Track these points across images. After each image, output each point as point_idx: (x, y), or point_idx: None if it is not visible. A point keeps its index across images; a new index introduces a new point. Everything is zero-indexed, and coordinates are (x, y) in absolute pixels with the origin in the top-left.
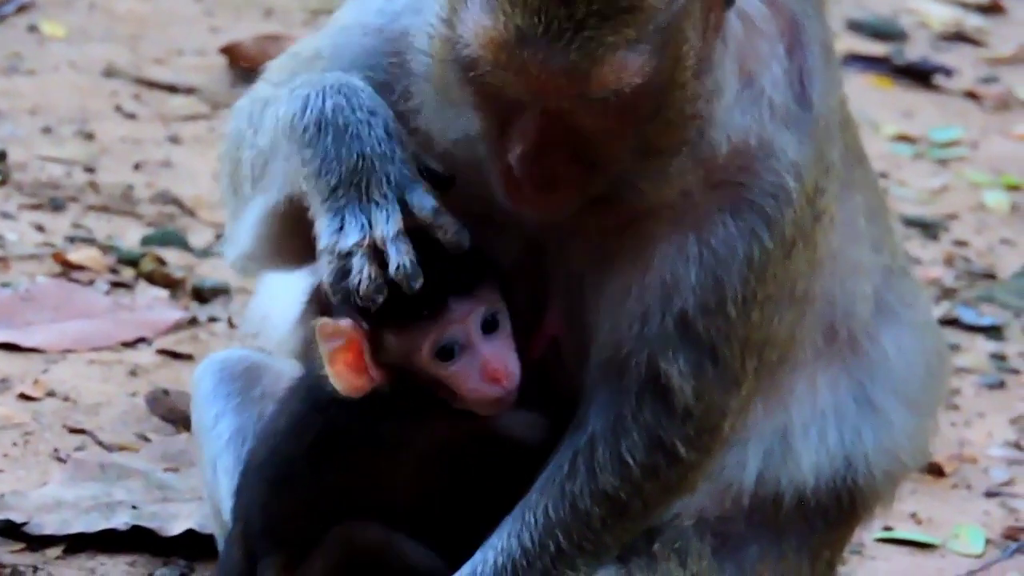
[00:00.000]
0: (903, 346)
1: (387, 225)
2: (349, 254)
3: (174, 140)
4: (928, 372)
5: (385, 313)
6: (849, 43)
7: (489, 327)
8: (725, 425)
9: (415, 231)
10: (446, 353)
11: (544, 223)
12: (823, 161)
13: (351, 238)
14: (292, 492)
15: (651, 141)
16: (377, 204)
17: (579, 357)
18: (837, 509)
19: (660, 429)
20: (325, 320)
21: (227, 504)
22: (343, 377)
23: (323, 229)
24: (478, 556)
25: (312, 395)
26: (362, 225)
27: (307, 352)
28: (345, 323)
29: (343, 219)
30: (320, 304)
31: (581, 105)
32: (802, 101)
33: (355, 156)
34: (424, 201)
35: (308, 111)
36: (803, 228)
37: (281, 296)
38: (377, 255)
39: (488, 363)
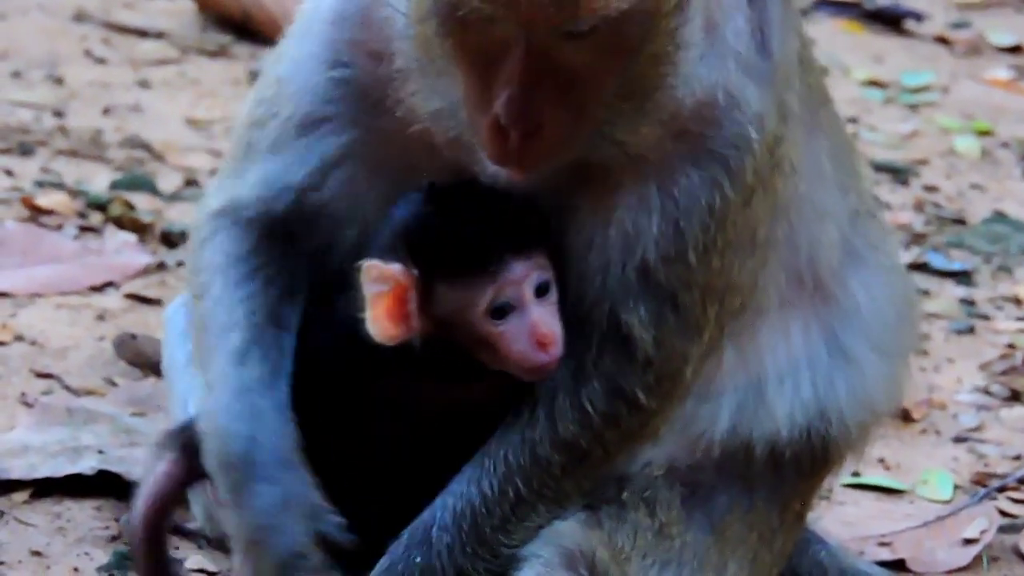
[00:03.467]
0: (872, 291)
1: None
2: None
3: (143, 85)
4: (899, 317)
5: (443, 264)
6: None
7: (541, 291)
8: (687, 372)
9: (478, 186)
10: (499, 312)
11: (528, 183)
12: (782, 109)
13: None
14: None
15: (634, 79)
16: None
17: None
18: (810, 460)
19: (620, 377)
20: (374, 262)
21: None
22: (380, 324)
23: None
24: (438, 502)
25: (332, 329)
26: None
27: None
28: (395, 268)
29: None
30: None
31: (567, 39)
32: (762, 50)
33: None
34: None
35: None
36: (762, 176)
37: None
38: None
39: (538, 327)
